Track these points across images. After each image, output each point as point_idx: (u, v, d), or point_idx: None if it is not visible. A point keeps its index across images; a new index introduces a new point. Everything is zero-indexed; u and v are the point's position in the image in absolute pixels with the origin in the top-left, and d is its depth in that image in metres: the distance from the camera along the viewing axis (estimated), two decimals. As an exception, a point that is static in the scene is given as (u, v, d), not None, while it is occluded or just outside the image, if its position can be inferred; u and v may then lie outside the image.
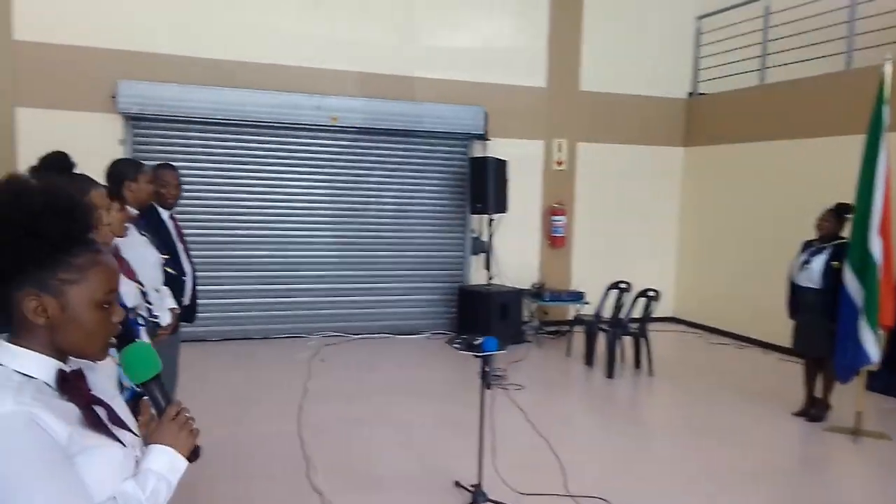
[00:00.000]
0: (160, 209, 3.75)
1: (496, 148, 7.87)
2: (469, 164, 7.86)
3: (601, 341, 6.58)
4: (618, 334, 6.40)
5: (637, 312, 6.62)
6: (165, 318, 3.25)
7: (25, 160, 6.37)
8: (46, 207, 1.19)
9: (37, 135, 6.33)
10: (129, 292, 2.89)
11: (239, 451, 4.25)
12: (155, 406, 1.39)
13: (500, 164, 7.60)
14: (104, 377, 1.38)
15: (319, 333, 7.51)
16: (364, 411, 5.14)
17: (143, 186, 3.38)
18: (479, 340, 3.23)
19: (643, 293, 6.60)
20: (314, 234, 7.64)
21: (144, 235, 3.28)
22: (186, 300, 3.82)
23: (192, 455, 1.39)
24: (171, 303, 3.43)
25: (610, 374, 6.27)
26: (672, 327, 8.65)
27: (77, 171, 2.59)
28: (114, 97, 6.65)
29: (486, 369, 3.35)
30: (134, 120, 6.85)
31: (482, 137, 7.94)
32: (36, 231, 1.17)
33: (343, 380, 6.00)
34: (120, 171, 3.43)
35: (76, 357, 1.29)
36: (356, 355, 6.91)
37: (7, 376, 1.19)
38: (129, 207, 3.24)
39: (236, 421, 4.81)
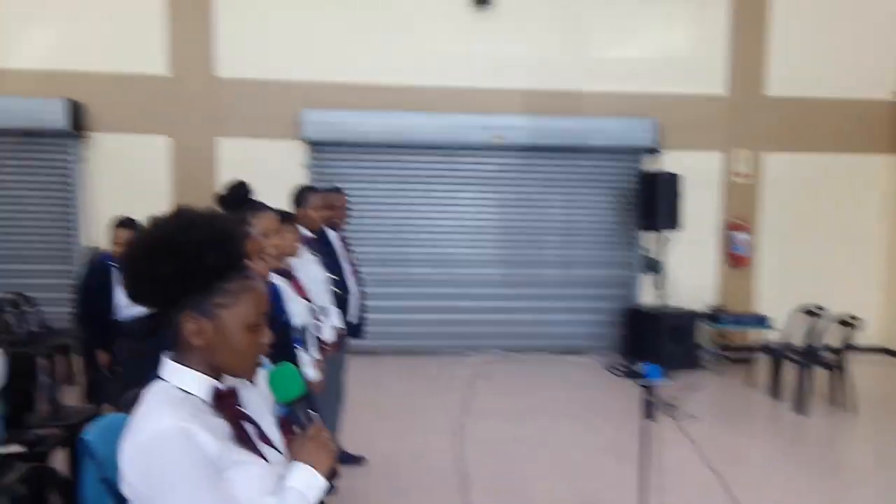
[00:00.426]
0: (328, 230, 3.97)
1: (669, 161, 7.47)
2: (639, 179, 7.53)
3: (789, 371, 5.96)
4: (810, 364, 5.76)
5: (834, 340, 5.92)
6: (328, 335, 3.42)
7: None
8: (209, 238, 1.27)
9: (233, 162, 7.04)
10: (299, 310, 3.08)
11: (396, 464, 4.35)
12: (299, 425, 1.44)
13: (673, 179, 7.20)
14: (256, 394, 1.46)
15: (483, 350, 7.56)
16: (522, 432, 5.06)
17: (315, 212, 3.61)
18: (641, 367, 3.04)
19: (843, 320, 5.88)
20: (480, 251, 7.72)
21: (315, 256, 3.50)
22: (353, 318, 3.99)
23: (331, 474, 1.41)
24: (337, 321, 3.62)
25: (800, 408, 5.64)
26: (879, 359, 7.64)
27: (259, 195, 2.81)
28: (298, 124, 7.21)
29: (649, 398, 3.15)
30: (315, 145, 7.37)
31: (654, 151, 7.58)
32: (200, 260, 1.26)
33: (503, 398, 5.96)
34: (296, 197, 3.70)
35: (229, 375, 1.37)
36: (518, 374, 6.85)
37: (168, 392, 1.29)
38: (302, 229, 3.47)
39: (396, 434, 4.94)
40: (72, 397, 4.71)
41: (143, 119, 7.13)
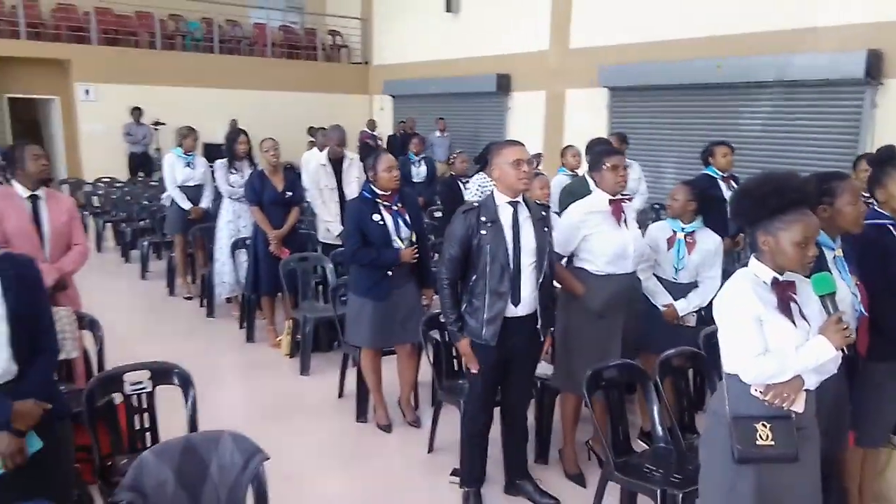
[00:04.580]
0: None
1: None
2: None
3: None
4: None
5: None
6: None
7: None
8: (772, 190, 2.17)
9: None
10: None
11: None
12: (826, 312, 2.17)
13: None
14: (810, 289, 2.24)
15: None
16: None
17: None
18: None
19: None
20: None
21: None
22: None
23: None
24: None
25: None
26: None
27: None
28: None
29: None
30: None
31: None
32: (763, 202, 2.17)
33: None
34: None
35: (788, 271, 2.22)
36: None
37: (746, 274, 2.26)
38: None
39: None
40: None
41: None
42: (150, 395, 2.87)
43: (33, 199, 3.41)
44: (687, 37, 9.12)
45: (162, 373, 2.87)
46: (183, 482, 2.13)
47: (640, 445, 3.57)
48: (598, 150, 3.50)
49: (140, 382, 2.82)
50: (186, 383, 2.85)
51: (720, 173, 5.38)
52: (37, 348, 2.15)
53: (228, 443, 2.23)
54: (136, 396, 2.84)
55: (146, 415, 2.86)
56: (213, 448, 2.21)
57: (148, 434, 2.86)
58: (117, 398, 2.88)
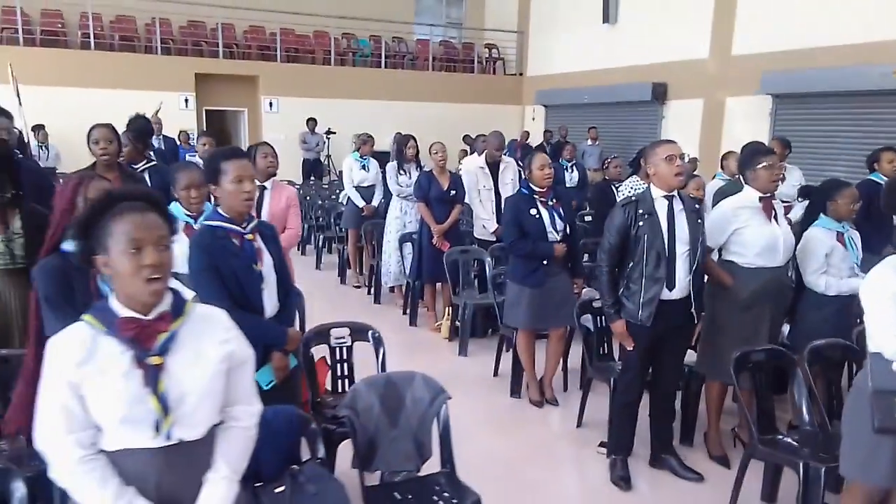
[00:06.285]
0: None
1: None
2: None
3: None
4: None
5: None
6: None
7: None
8: None
9: None
10: None
11: None
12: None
13: None
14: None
15: None
16: None
17: None
18: None
19: None
20: None
21: None
22: None
23: None
24: None
25: None
26: None
27: None
28: None
29: None
30: None
31: None
32: None
33: None
34: None
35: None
36: None
37: (891, 261, 2.41)
38: None
39: None
40: None
41: None
42: (349, 348, 3.47)
43: (260, 189, 4.15)
44: (858, 41, 8.73)
45: (360, 331, 3.46)
46: (385, 407, 2.66)
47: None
48: (752, 150, 3.68)
49: (342, 337, 3.42)
50: (378, 341, 3.40)
51: (885, 179, 5.24)
52: (286, 292, 2.78)
53: (420, 381, 2.74)
54: (338, 349, 3.44)
55: (345, 364, 3.46)
56: (408, 384, 2.72)
57: (346, 380, 3.45)
58: (316, 356, 3.50)
